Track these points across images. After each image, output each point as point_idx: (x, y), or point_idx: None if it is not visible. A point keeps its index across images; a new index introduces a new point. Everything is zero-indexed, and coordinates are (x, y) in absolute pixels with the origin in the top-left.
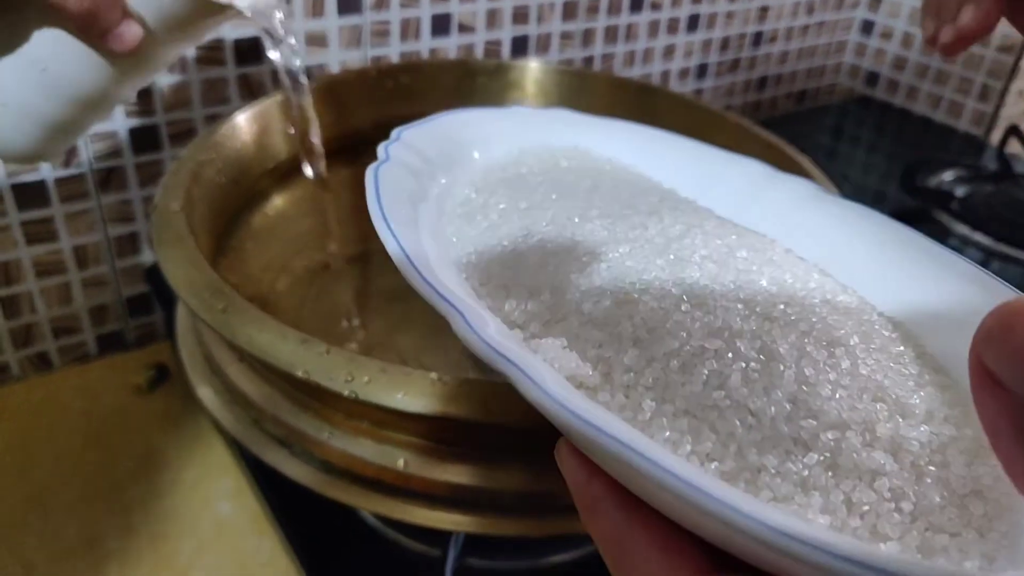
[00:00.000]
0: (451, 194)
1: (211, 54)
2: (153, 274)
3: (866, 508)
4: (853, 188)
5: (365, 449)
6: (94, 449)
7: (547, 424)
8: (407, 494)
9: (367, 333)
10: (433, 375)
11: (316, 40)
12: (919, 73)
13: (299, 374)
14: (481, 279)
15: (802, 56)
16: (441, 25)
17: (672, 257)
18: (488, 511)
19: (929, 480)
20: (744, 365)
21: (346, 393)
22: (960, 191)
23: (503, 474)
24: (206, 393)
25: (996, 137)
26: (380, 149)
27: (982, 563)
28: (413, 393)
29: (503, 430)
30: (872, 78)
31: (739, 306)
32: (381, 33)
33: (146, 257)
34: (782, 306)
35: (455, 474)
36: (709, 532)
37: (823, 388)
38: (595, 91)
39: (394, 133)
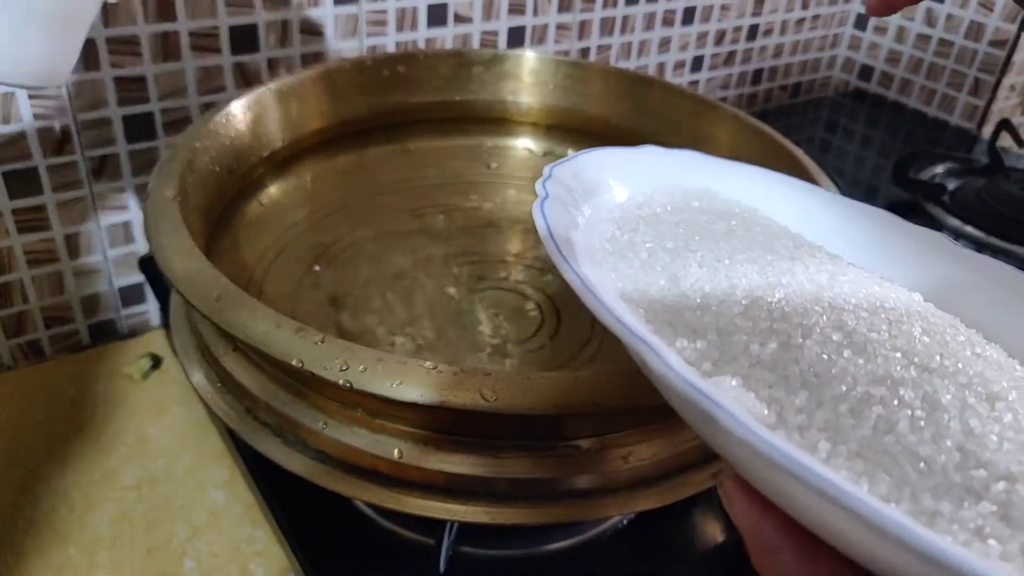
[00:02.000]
0: (596, 229)
1: (206, 42)
2: (146, 263)
3: None
4: (847, 181)
5: (360, 439)
6: (87, 438)
7: (542, 411)
8: (402, 484)
9: (363, 315)
10: (428, 364)
11: (312, 29)
12: (912, 67)
13: (294, 363)
14: (647, 316)
15: (796, 49)
16: (437, 15)
17: (827, 304)
18: (484, 500)
19: None
20: (910, 413)
21: (341, 382)
22: (951, 184)
23: (498, 462)
24: (200, 382)
25: (988, 131)
26: (538, 186)
27: None
28: (409, 382)
29: (498, 418)
30: (866, 72)
31: (897, 355)
32: (377, 23)
33: (139, 246)
34: (938, 357)
35: (451, 463)
36: (888, 566)
37: (989, 440)
38: (591, 81)
39: (546, 171)
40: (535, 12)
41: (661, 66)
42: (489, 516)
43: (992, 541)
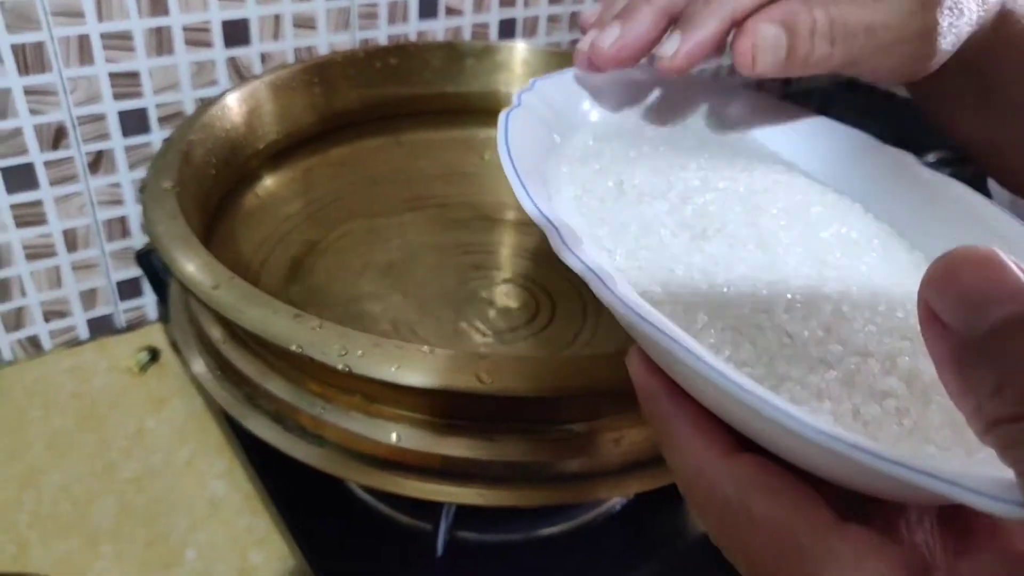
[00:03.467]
0: (572, 140)
1: (199, 36)
2: (143, 257)
3: (869, 418)
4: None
5: (358, 423)
6: (87, 430)
7: (537, 393)
8: (399, 467)
9: (358, 305)
10: (425, 348)
11: (304, 23)
12: None
13: (293, 348)
14: (583, 212)
15: None
16: (429, 8)
17: (752, 206)
18: (480, 482)
19: (934, 406)
20: (789, 296)
21: (340, 367)
22: (944, 172)
23: (495, 445)
24: (200, 371)
25: None
26: (514, 96)
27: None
28: (407, 366)
29: (495, 401)
30: None
31: (798, 250)
32: (369, 16)
33: (136, 240)
34: (838, 254)
35: (447, 447)
36: (735, 419)
37: (856, 323)
38: None
39: (530, 82)
40: (526, 4)
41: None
42: (484, 498)
43: (827, 402)
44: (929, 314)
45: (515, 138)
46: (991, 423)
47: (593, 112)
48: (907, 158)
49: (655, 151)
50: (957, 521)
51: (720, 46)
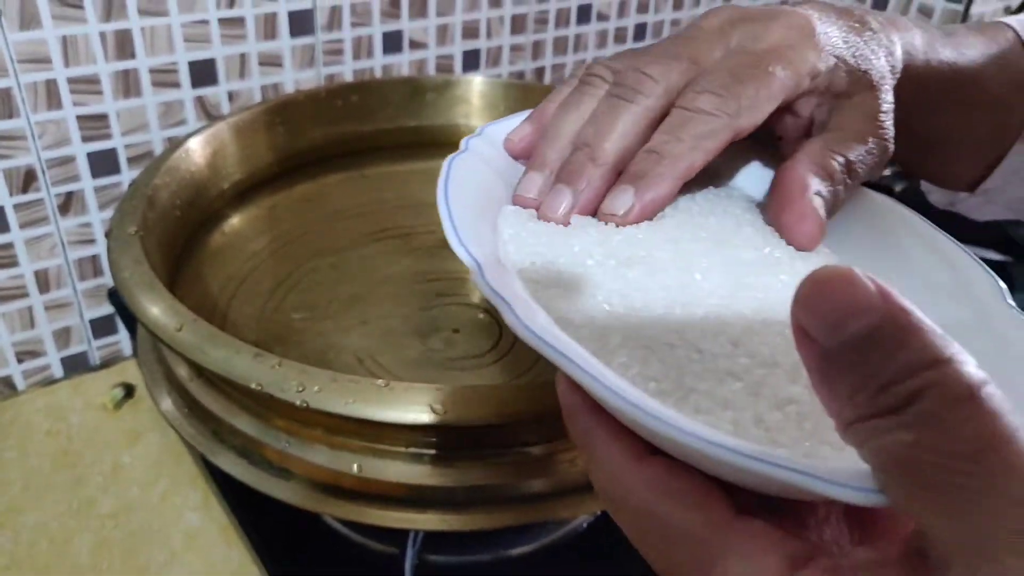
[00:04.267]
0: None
1: (166, 77)
2: (115, 296)
3: (772, 424)
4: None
5: (320, 455)
6: (63, 468)
7: (489, 420)
8: (363, 496)
9: (324, 337)
10: (380, 382)
11: (271, 61)
12: None
13: (253, 386)
14: (521, 253)
15: None
16: (393, 42)
17: (679, 233)
18: (443, 508)
19: None
20: (702, 314)
21: (298, 403)
22: (899, 186)
23: (455, 471)
24: (169, 409)
25: None
26: (462, 142)
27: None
28: (362, 400)
29: (450, 429)
30: None
31: (718, 272)
32: (334, 52)
33: (108, 279)
34: (757, 273)
35: (408, 475)
36: (639, 430)
37: (766, 337)
38: (539, 101)
39: (479, 128)
40: (488, 35)
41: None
42: (448, 523)
43: (730, 411)
44: (799, 330)
45: (456, 182)
46: (847, 424)
47: None
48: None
49: None
50: (863, 514)
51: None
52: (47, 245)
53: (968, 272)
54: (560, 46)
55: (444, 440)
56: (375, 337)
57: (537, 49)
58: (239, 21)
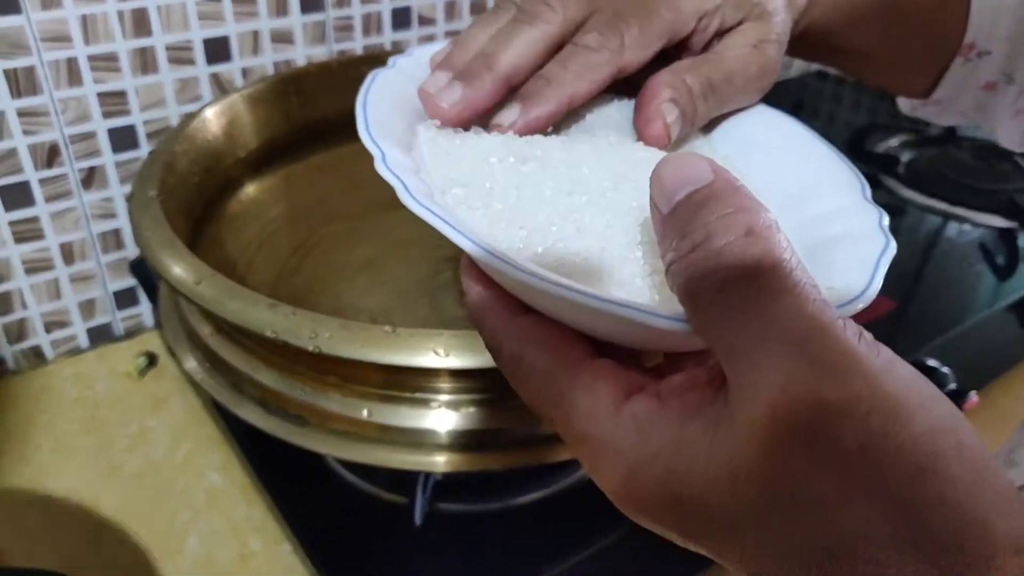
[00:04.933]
0: None
1: (182, 54)
2: (138, 267)
3: (631, 290)
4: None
5: (333, 402)
6: (90, 433)
7: (489, 364)
8: (372, 440)
9: (339, 299)
10: (387, 328)
11: (282, 37)
12: None
13: (268, 334)
14: (435, 155)
15: None
16: (402, 19)
17: (576, 150)
18: (447, 450)
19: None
20: (585, 200)
21: (311, 348)
22: (906, 155)
23: (459, 415)
24: (191, 366)
25: None
26: (390, 59)
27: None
28: (370, 345)
29: (455, 374)
30: None
31: (606, 171)
32: (344, 28)
33: (130, 251)
34: (636, 172)
35: (414, 419)
36: (505, 283)
37: (644, 220)
38: None
39: (408, 50)
40: None
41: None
42: (452, 465)
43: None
44: (652, 204)
45: (377, 91)
46: (667, 270)
47: None
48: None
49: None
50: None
51: (554, 122)
52: (71, 218)
53: (838, 172)
54: None
55: (449, 386)
56: (388, 298)
57: None
58: None
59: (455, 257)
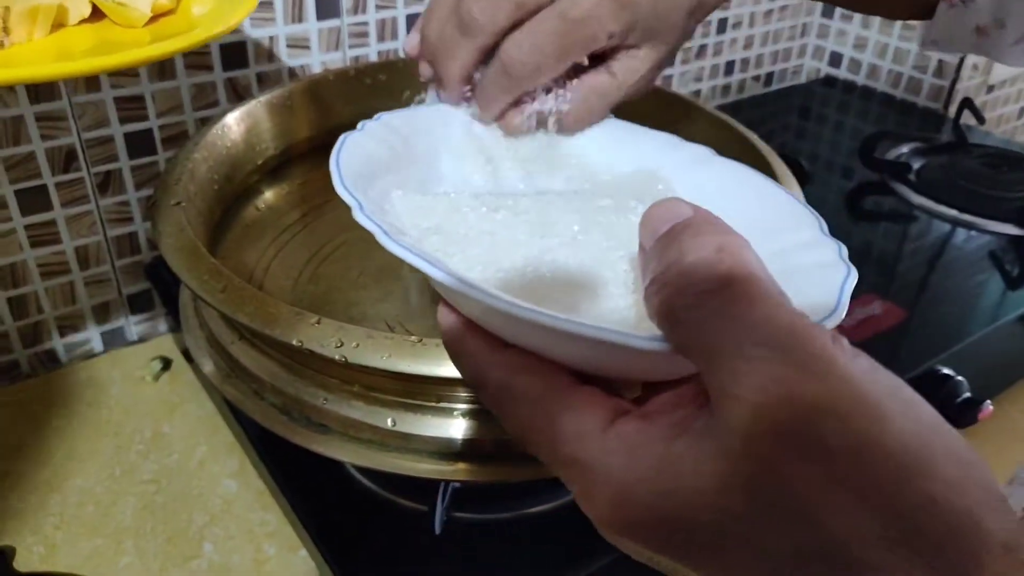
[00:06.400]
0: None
1: (199, 60)
2: (152, 271)
3: (608, 321)
4: (821, 165)
5: (357, 411)
6: (106, 436)
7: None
8: (396, 449)
9: (356, 306)
10: (413, 338)
11: (298, 43)
12: (879, 52)
13: (294, 343)
14: (408, 208)
15: (767, 40)
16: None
17: (546, 199)
18: (470, 460)
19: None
20: (558, 242)
21: (336, 358)
22: (917, 163)
23: (482, 424)
24: (211, 371)
25: (953, 111)
26: (359, 124)
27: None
28: (396, 355)
29: None
30: (835, 58)
31: (574, 215)
32: (359, 34)
33: (144, 255)
34: (603, 216)
35: (438, 428)
36: (490, 326)
37: (614, 260)
38: None
39: (376, 115)
40: None
41: None
42: (475, 474)
43: (572, 314)
44: (640, 245)
45: (348, 150)
46: (645, 297)
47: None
48: (706, 152)
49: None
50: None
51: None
52: (87, 223)
53: (797, 212)
54: None
55: (471, 395)
56: (403, 305)
57: None
58: (268, 5)
59: None
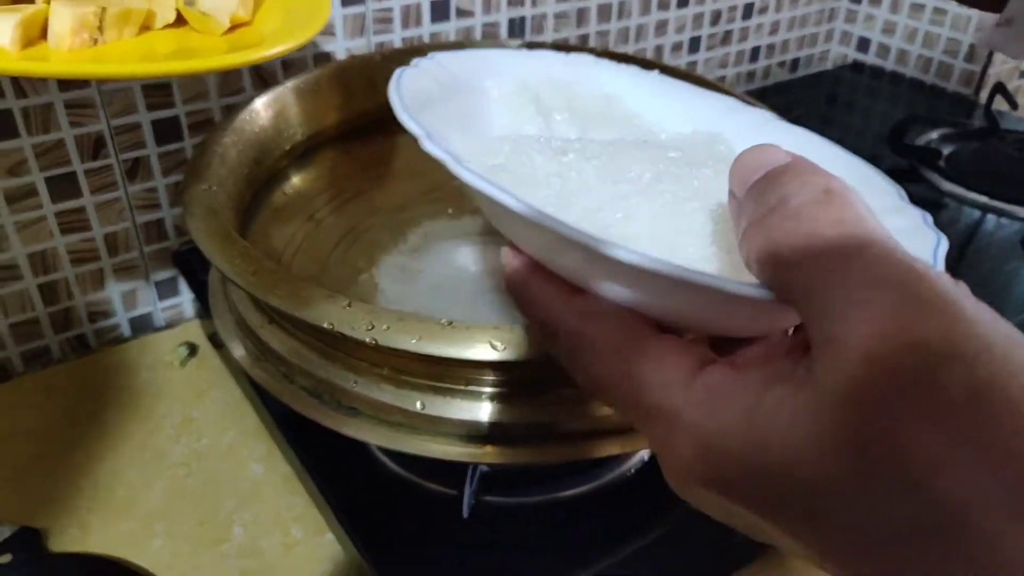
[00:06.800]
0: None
1: None
2: (179, 257)
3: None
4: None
5: (386, 394)
6: (135, 421)
7: (544, 357)
8: (425, 432)
9: (384, 289)
10: (444, 320)
11: (323, 29)
12: (908, 36)
13: (325, 325)
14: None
15: (793, 25)
16: (440, 10)
17: (613, 147)
18: (499, 443)
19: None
20: (628, 189)
21: (367, 340)
22: (947, 149)
23: (510, 408)
24: (241, 355)
25: (985, 96)
26: (413, 60)
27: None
28: (427, 337)
29: (507, 367)
30: (863, 43)
31: (644, 165)
32: (384, 20)
33: (172, 241)
34: (675, 168)
35: (468, 411)
36: (553, 260)
37: (686, 213)
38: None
39: (429, 54)
40: (534, 2)
41: (659, 48)
42: (504, 457)
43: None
44: (730, 193)
45: (405, 85)
46: (740, 241)
47: (494, 90)
48: (769, 115)
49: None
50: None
51: None
52: (116, 209)
53: (874, 179)
54: (604, 13)
55: (501, 378)
56: (433, 291)
57: (582, 16)
58: None
59: (496, 248)
